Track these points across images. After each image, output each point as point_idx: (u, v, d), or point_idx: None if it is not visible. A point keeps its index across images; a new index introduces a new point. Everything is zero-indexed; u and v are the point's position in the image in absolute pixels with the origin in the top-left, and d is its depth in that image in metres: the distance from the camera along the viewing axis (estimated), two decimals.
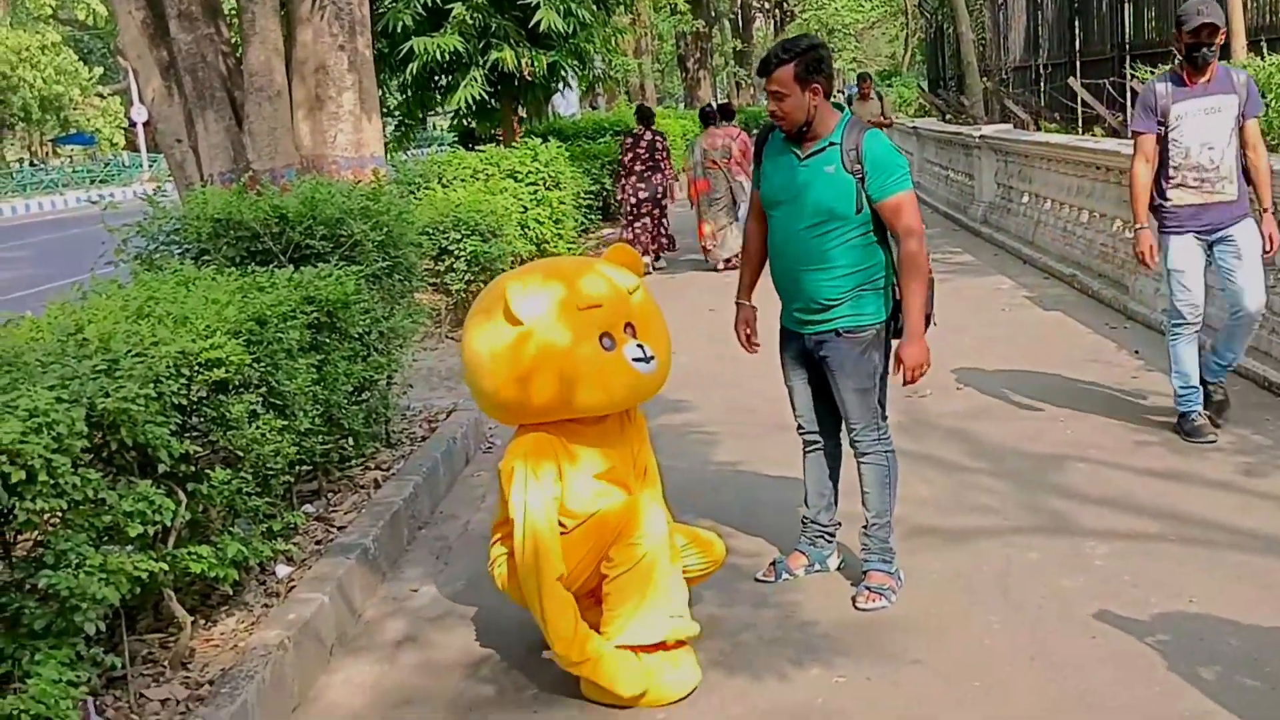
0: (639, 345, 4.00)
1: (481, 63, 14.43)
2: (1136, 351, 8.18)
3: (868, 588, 4.54)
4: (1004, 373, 7.83)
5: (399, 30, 13.84)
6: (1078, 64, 18.15)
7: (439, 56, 13.99)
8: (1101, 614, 4.28)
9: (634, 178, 13.58)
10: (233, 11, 9.02)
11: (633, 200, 13.55)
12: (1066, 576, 4.63)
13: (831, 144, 4.35)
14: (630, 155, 13.65)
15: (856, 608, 4.48)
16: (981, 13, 25.90)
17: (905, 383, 4.39)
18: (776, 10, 52.35)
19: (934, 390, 7.41)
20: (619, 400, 4.04)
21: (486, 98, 14.87)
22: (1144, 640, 4.06)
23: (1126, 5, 16.69)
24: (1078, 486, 5.60)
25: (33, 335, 4.14)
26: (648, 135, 13.69)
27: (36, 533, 3.52)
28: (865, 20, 55.02)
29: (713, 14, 40.98)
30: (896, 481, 4.65)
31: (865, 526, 4.64)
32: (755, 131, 4.83)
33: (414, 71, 14.21)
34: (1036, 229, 12.91)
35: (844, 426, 4.66)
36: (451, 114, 17.31)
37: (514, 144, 13.51)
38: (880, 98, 18.16)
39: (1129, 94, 14.78)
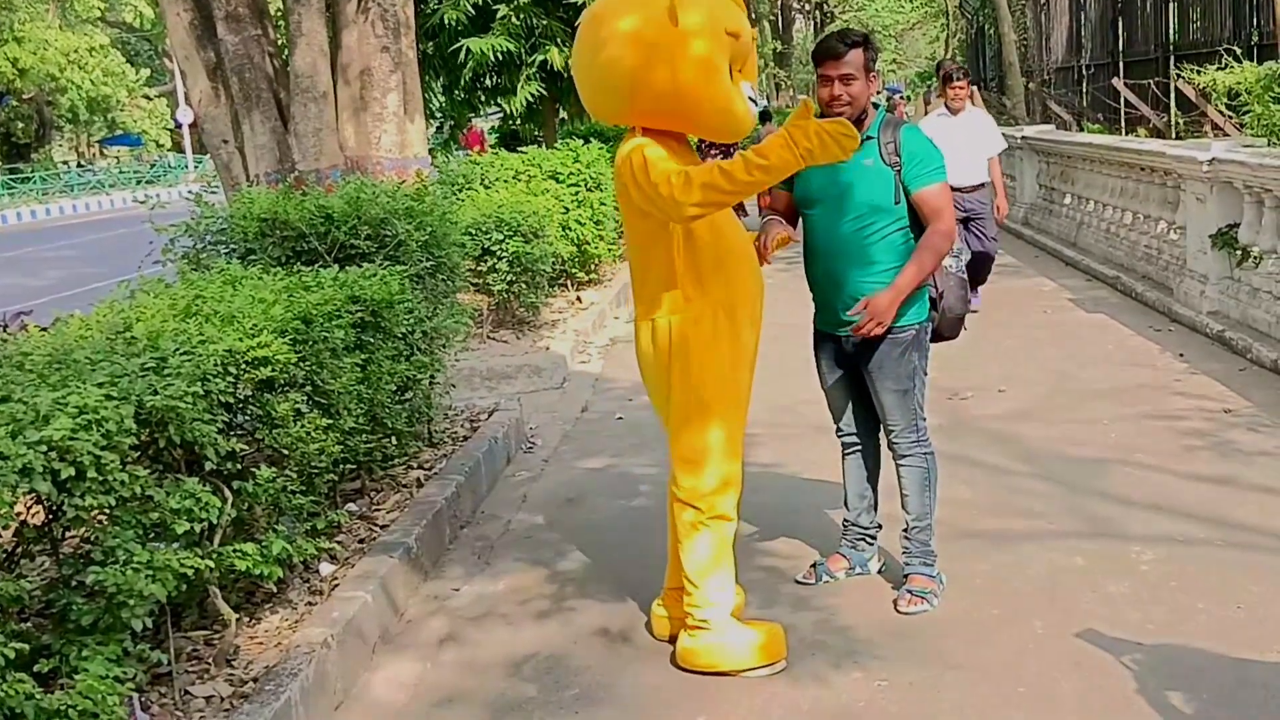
0: (748, 86, 4.14)
1: (530, 62, 14.47)
2: (1181, 354, 8.11)
3: (909, 591, 4.51)
4: (1046, 375, 7.78)
5: (448, 26, 13.86)
6: (1121, 64, 18.00)
7: (491, 57, 14.04)
8: (1148, 620, 4.24)
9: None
10: (279, 13, 9.08)
11: None
12: (1112, 581, 4.59)
13: (869, 138, 4.35)
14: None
15: (898, 611, 4.45)
16: (1023, 13, 25.72)
17: (855, 325, 4.27)
18: (816, 11, 52.27)
19: (975, 393, 7.38)
20: (729, 129, 4.13)
21: (539, 97, 14.91)
22: (1192, 647, 4.02)
23: (1171, 5, 16.54)
24: (1123, 491, 5.55)
25: (82, 333, 4.19)
26: None
27: (84, 530, 3.57)
28: (906, 21, 54.80)
29: (753, 15, 40.91)
30: (936, 483, 4.62)
31: (906, 530, 4.62)
32: None
33: (468, 76, 14.28)
34: (1079, 230, 12.81)
35: (882, 428, 4.65)
36: (497, 115, 17.33)
37: (555, 145, 13.54)
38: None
39: (1173, 94, 14.65)
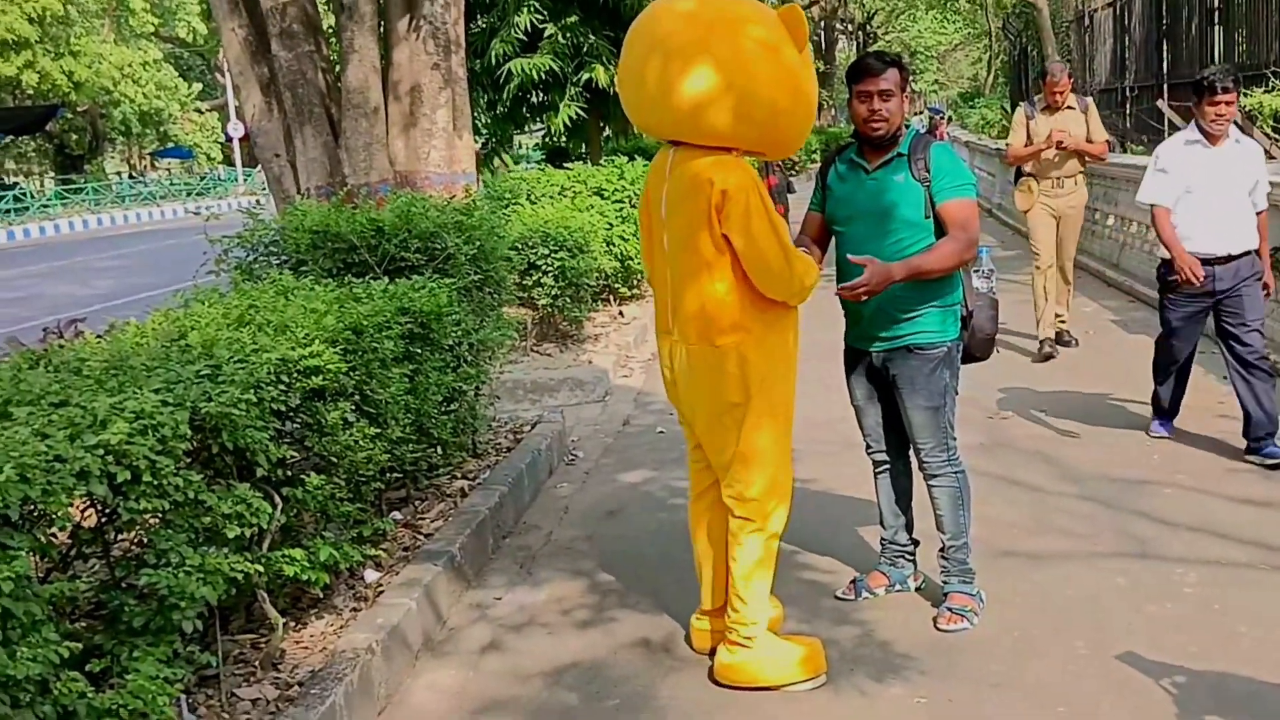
0: None
1: (575, 81, 14.56)
2: (1224, 377, 8.03)
3: (949, 609, 4.52)
4: (1088, 396, 7.74)
5: (496, 60, 14.02)
6: (1165, 86, 17.87)
7: (535, 76, 14.17)
8: (1191, 642, 4.22)
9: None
10: (332, 30, 9.21)
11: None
12: (1154, 603, 4.58)
13: (899, 155, 4.39)
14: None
15: (938, 628, 4.46)
16: (1067, 35, 25.60)
17: (840, 285, 4.27)
18: (860, 32, 52.24)
19: (1016, 412, 7.36)
20: (797, 146, 4.27)
21: (582, 116, 15.00)
22: (1235, 671, 4.00)
23: (1216, 28, 16.41)
24: (1166, 512, 5.52)
25: (138, 341, 4.28)
26: None
27: (135, 533, 3.64)
28: (948, 42, 54.67)
29: None
30: (970, 502, 4.61)
31: (943, 549, 4.62)
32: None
33: (511, 93, 14.40)
34: (1122, 252, 12.74)
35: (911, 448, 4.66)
36: (542, 132, 17.43)
37: (599, 162, 13.63)
38: (1085, 110, 9.39)
39: None
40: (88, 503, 3.38)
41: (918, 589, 4.81)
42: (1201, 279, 6.16)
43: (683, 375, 4.14)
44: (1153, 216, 6.47)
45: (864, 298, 4.23)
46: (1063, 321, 9.49)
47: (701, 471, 4.30)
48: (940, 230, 4.37)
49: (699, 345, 4.04)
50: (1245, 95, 12.36)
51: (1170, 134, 15.72)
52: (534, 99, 15.36)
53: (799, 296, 4.06)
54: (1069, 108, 9.16)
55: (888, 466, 4.76)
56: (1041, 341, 9.04)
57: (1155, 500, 5.69)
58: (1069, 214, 9.13)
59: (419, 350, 5.15)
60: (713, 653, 4.27)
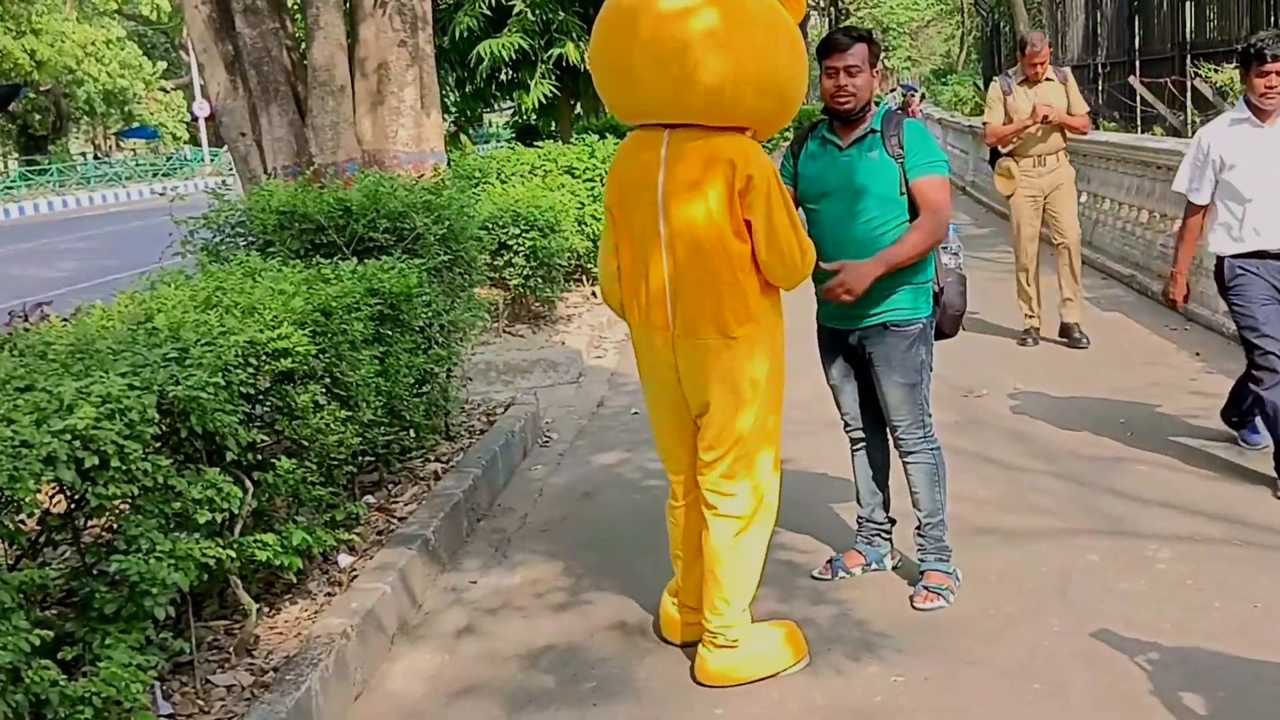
0: None
1: (545, 59, 14.47)
2: (1197, 354, 8.08)
3: (925, 587, 4.52)
4: (1062, 374, 7.77)
5: (462, 35, 13.92)
6: (1137, 62, 17.94)
7: (504, 56, 14.07)
8: (1163, 618, 4.24)
9: None
10: (297, 6, 9.12)
11: None
12: (1128, 579, 4.59)
13: (872, 131, 4.39)
14: None
15: (914, 607, 4.46)
16: (1039, 11, 25.67)
17: (827, 288, 4.26)
18: (832, 8, 52.15)
19: (990, 390, 7.38)
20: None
21: (553, 94, 14.90)
22: (1208, 646, 4.02)
23: (1188, 4, 16.48)
24: (1139, 489, 5.54)
25: (104, 324, 4.22)
26: None
27: (105, 520, 3.59)
28: (920, 18, 54.71)
29: None
30: (945, 479, 4.62)
31: (919, 527, 4.63)
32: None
33: (483, 74, 14.29)
34: (1094, 229, 12.78)
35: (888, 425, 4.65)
36: (511, 110, 17.34)
37: (571, 140, 13.56)
38: (1064, 81, 8.80)
39: (1189, 92, 14.61)
40: (56, 489, 3.34)
41: (894, 568, 4.81)
42: (1182, 307, 6.31)
43: (690, 372, 3.91)
44: (1185, 210, 5.89)
45: (846, 298, 4.23)
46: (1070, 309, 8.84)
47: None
48: (914, 206, 4.37)
49: (713, 339, 3.85)
50: (1216, 71, 12.43)
51: (1142, 110, 15.87)
52: (504, 77, 15.25)
53: (799, 283, 3.99)
54: (1048, 79, 8.68)
55: (865, 445, 4.76)
56: (1025, 330, 8.83)
57: (1128, 477, 5.72)
58: (1056, 193, 8.77)
59: (389, 332, 5.10)
60: (686, 644, 4.22)
